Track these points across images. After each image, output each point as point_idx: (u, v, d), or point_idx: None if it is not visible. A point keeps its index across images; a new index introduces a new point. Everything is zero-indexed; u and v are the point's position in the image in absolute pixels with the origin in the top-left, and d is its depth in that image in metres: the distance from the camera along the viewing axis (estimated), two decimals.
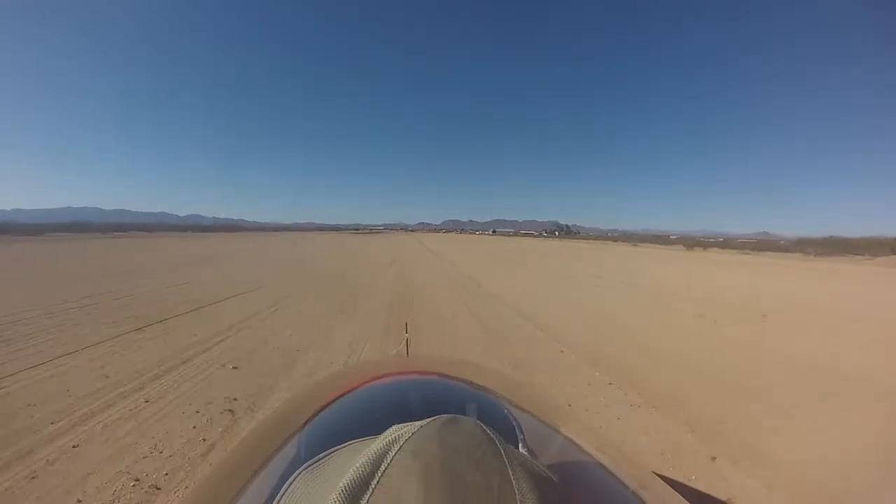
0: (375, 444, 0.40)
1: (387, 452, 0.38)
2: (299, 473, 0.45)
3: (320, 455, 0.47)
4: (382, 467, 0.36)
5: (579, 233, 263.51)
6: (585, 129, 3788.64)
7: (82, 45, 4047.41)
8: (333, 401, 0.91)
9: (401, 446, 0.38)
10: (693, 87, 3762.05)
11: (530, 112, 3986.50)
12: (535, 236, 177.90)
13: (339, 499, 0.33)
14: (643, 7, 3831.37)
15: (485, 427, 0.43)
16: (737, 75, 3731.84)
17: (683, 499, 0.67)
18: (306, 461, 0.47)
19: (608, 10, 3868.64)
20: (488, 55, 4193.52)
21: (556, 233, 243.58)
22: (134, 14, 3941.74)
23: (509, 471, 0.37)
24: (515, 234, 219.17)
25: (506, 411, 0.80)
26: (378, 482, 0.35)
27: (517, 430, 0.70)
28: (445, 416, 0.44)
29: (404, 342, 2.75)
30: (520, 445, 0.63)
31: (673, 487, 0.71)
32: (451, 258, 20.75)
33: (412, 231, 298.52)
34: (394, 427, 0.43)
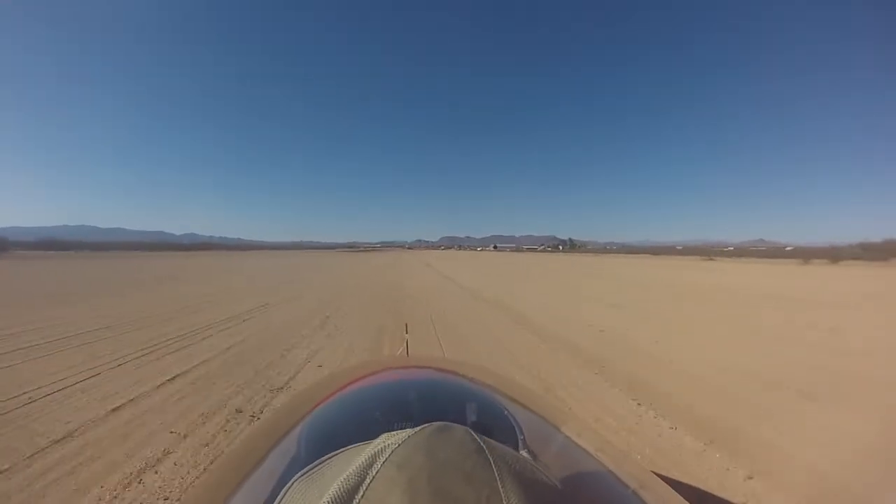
0: (363, 455, 0.38)
1: (373, 464, 0.36)
2: (296, 480, 0.44)
3: (317, 461, 0.46)
4: (368, 480, 0.35)
5: (585, 246, 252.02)
6: (580, 143, 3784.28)
7: (81, 60, 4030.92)
8: (333, 401, 0.90)
9: (387, 458, 0.37)
10: (686, 99, 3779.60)
11: (525, 128, 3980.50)
12: (539, 251, 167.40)
13: None
14: (636, 23, 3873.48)
15: (476, 436, 0.41)
16: (730, 86, 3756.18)
17: (683, 499, 0.66)
18: (305, 463, 0.47)
19: (600, 27, 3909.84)
20: (485, 72, 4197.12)
21: (560, 247, 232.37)
22: (132, 28, 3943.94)
23: (499, 485, 0.36)
24: (518, 250, 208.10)
25: (506, 412, 0.80)
26: (362, 496, 0.33)
27: (517, 431, 0.70)
28: (435, 423, 0.43)
29: (404, 343, 2.73)
30: (519, 446, 0.63)
31: (673, 487, 0.69)
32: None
33: (410, 248, 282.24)
34: (384, 435, 0.41)
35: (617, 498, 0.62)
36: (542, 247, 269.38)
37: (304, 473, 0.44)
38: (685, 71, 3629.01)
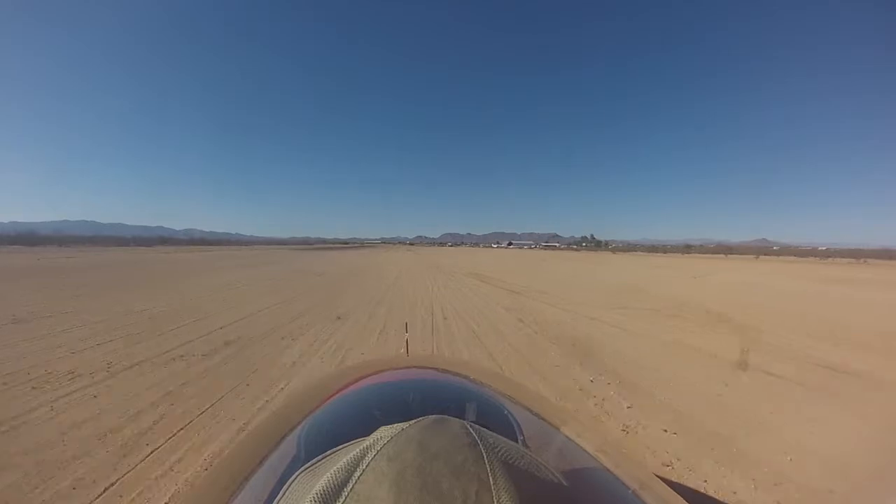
0: (358, 448, 0.38)
1: (364, 456, 0.36)
2: (298, 474, 0.46)
3: (319, 456, 0.48)
4: (358, 472, 0.35)
5: (609, 245, 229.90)
6: (581, 143, 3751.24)
7: (82, 56, 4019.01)
8: (335, 401, 0.90)
9: (378, 450, 0.37)
10: (688, 99, 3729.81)
11: (527, 125, 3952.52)
12: (561, 249, 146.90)
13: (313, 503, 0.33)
14: (639, 21, 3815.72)
15: (471, 429, 0.41)
16: (734, 86, 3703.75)
17: (683, 499, 0.66)
18: (306, 461, 0.48)
19: (604, 25, 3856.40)
20: (486, 67, 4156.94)
21: (584, 244, 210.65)
22: (132, 26, 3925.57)
23: (490, 478, 0.35)
24: (536, 247, 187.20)
25: (506, 411, 0.81)
26: (352, 489, 0.33)
27: (517, 430, 0.72)
28: (430, 417, 0.43)
29: (404, 342, 2.73)
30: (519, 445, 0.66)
31: (673, 488, 0.69)
32: None
33: (411, 245, 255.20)
34: (381, 429, 0.41)
35: (617, 499, 0.61)
36: (557, 244, 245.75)
37: (307, 468, 0.45)
38: (691, 72, 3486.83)
